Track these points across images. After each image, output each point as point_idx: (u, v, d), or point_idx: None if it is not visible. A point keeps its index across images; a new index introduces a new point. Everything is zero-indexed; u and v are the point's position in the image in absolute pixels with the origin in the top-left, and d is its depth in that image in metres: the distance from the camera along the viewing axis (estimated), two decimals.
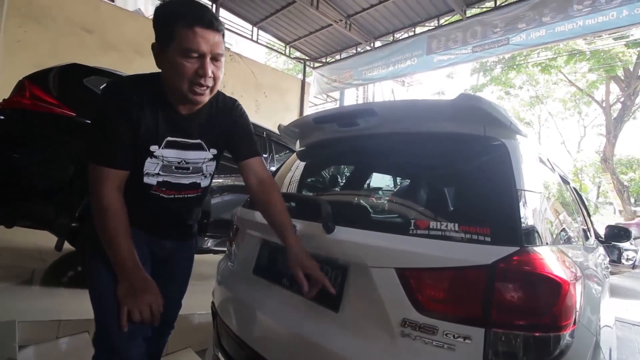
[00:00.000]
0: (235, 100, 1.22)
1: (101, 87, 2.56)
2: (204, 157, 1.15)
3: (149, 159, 1.05)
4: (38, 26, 5.50)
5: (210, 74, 0.98)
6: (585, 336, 0.95)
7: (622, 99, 14.31)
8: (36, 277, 2.65)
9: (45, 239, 3.33)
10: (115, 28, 6.43)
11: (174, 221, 1.20)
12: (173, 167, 1.09)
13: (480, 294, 0.81)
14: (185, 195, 1.16)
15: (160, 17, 0.98)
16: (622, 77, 13.56)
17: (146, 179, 1.07)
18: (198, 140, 1.12)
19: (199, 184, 1.17)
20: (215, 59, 0.99)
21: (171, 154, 1.08)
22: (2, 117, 2.31)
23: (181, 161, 1.10)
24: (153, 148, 1.05)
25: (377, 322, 0.92)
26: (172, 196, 1.13)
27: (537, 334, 0.79)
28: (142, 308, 0.99)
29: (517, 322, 0.79)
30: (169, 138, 1.07)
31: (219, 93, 1.15)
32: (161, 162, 1.07)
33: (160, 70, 1.02)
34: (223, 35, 1.01)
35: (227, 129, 1.18)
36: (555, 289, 0.81)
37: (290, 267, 1.06)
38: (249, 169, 1.20)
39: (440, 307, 0.85)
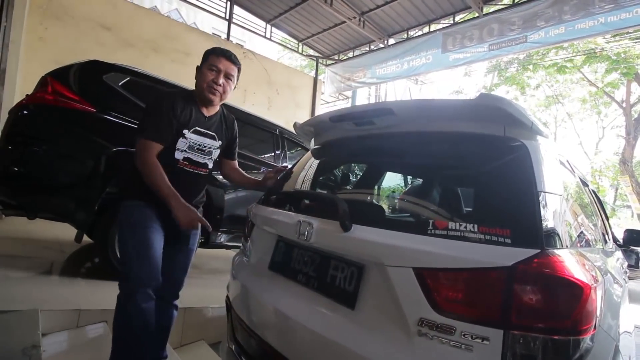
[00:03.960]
0: (234, 119, 1.81)
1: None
2: (215, 145, 1.67)
3: (181, 139, 1.54)
4: (58, 23, 5.63)
5: (220, 82, 1.55)
6: (605, 341, 0.94)
7: None
8: (56, 267, 2.73)
9: (64, 231, 3.44)
10: (131, 25, 6.53)
11: (187, 195, 1.53)
12: (195, 148, 1.59)
13: (499, 295, 0.81)
14: (199, 172, 1.62)
15: (205, 53, 1.59)
16: None
17: (177, 154, 1.54)
18: (213, 133, 1.64)
19: (208, 164, 1.65)
20: (227, 77, 1.57)
21: (195, 138, 1.58)
22: (25, 112, 2.38)
23: (201, 144, 1.61)
24: (184, 131, 1.55)
25: (394, 320, 0.93)
26: (191, 170, 1.59)
27: (556, 337, 0.79)
28: (194, 217, 1.42)
29: (537, 325, 0.79)
30: (196, 127, 1.58)
31: (229, 113, 1.76)
32: (188, 142, 1.56)
33: (193, 89, 1.61)
34: (239, 70, 1.62)
35: (230, 135, 1.76)
36: (577, 292, 0.80)
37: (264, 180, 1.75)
38: (232, 165, 1.86)
39: (458, 308, 0.85)
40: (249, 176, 1.85)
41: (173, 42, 7.06)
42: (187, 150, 1.56)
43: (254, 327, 1.34)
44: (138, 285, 1.40)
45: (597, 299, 0.87)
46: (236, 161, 1.88)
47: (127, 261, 1.46)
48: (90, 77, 2.60)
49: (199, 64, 1.58)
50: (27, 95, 2.49)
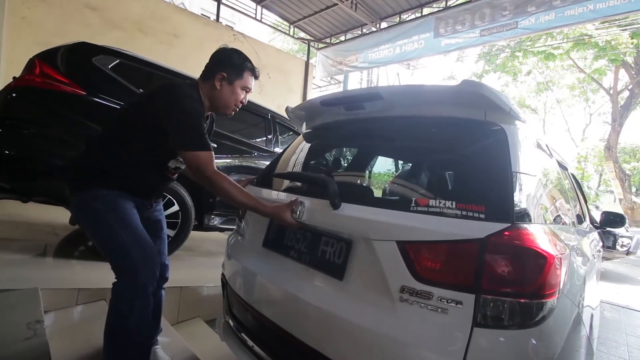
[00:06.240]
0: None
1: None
2: None
3: None
4: (42, 3, 5.45)
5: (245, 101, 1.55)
6: (568, 308, 1.04)
7: (630, 87, 14.12)
8: (50, 249, 2.77)
9: (55, 215, 3.46)
10: (118, 5, 6.36)
11: (155, 194, 1.59)
12: None
13: (473, 264, 0.90)
14: (174, 177, 1.63)
15: (235, 59, 1.47)
16: (632, 65, 13.33)
17: (170, 163, 1.50)
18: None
19: (181, 168, 1.59)
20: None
21: None
22: (15, 95, 2.36)
23: None
24: None
25: (378, 289, 1.02)
26: (171, 176, 1.59)
27: (522, 301, 0.88)
28: (292, 212, 1.27)
29: (505, 290, 0.88)
30: None
31: None
32: None
33: (189, 82, 1.46)
34: None
35: (210, 130, 1.67)
36: (541, 261, 0.90)
37: None
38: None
39: (436, 276, 0.94)
40: None
41: (161, 23, 6.90)
42: (178, 158, 1.50)
43: (249, 301, 1.42)
44: (148, 277, 1.32)
45: (561, 269, 0.97)
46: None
47: (127, 254, 1.31)
48: (79, 59, 2.57)
49: (226, 73, 1.45)
50: (14, 77, 2.47)
